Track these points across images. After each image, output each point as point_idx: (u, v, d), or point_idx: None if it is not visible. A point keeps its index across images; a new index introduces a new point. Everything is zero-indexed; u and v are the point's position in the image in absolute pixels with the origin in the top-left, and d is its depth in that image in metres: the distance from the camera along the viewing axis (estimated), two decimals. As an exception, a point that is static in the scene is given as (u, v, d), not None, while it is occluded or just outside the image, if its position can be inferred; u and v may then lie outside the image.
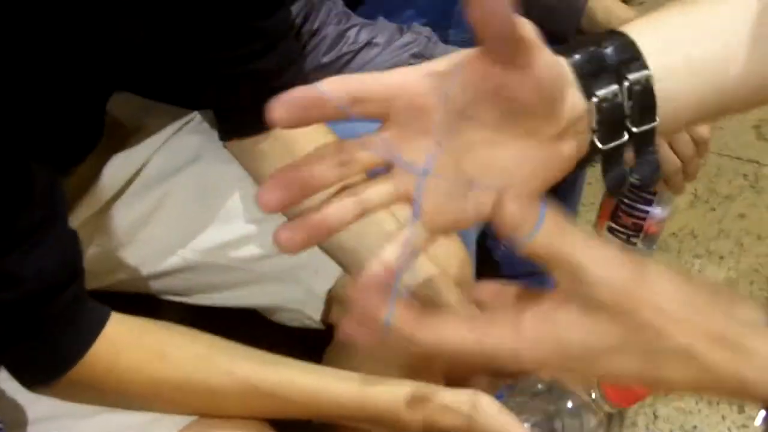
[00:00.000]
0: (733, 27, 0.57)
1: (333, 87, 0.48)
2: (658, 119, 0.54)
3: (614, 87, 0.53)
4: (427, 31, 1.04)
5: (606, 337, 0.44)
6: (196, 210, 0.95)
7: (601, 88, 0.52)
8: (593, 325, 0.44)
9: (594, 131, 0.53)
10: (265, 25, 0.85)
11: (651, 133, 0.55)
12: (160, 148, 0.97)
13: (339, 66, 1.00)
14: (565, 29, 1.19)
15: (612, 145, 0.53)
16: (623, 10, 1.17)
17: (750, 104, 0.61)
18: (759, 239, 1.80)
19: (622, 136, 0.54)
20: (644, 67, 0.54)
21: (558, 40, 1.24)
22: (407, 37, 1.02)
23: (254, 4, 0.84)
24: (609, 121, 0.53)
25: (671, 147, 1.04)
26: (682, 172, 1.07)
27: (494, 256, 1.46)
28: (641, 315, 0.44)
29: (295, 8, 0.95)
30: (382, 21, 1.04)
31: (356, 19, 1.03)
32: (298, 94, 0.47)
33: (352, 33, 1.00)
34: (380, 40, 1.01)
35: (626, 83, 0.53)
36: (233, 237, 0.94)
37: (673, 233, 1.81)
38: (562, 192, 1.40)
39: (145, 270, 0.95)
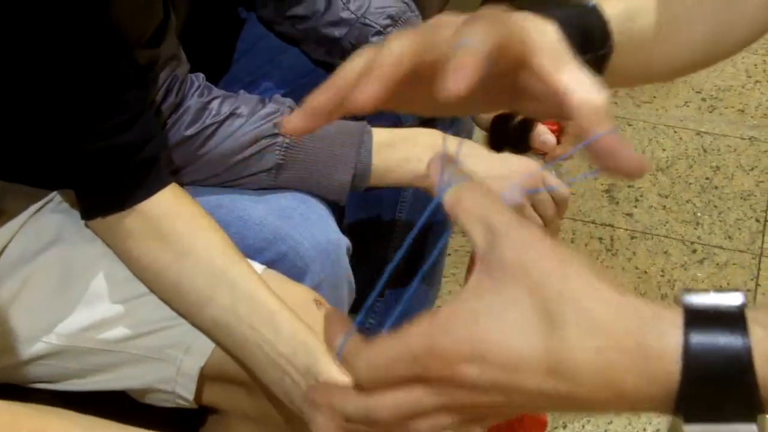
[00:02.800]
0: None
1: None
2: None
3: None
4: (289, 101, 1.05)
5: (511, 303, 0.43)
6: (59, 293, 0.92)
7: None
8: (499, 292, 0.43)
9: None
10: (125, 99, 0.85)
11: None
12: (19, 231, 0.94)
13: (203, 138, 0.99)
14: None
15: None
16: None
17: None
18: (617, 300, 1.85)
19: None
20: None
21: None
22: (270, 107, 1.02)
23: (110, 78, 0.83)
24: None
25: (533, 208, 1.07)
26: (544, 232, 1.09)
27: (362, 329, 1.45)
28: (534, 276, 0.43)
29: (157, 81, 0.94)
30: (243, 93, 1.05)
31: (218, 91, 1.02)
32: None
33: (214, 105, 1.00)
34: (243, 111, 1.01)
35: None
36: (99, 318, 0.92)
37: (537, 299, 1.85)
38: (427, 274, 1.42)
39: (10, 358, 0.91)
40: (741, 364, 0.41)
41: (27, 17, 0.78)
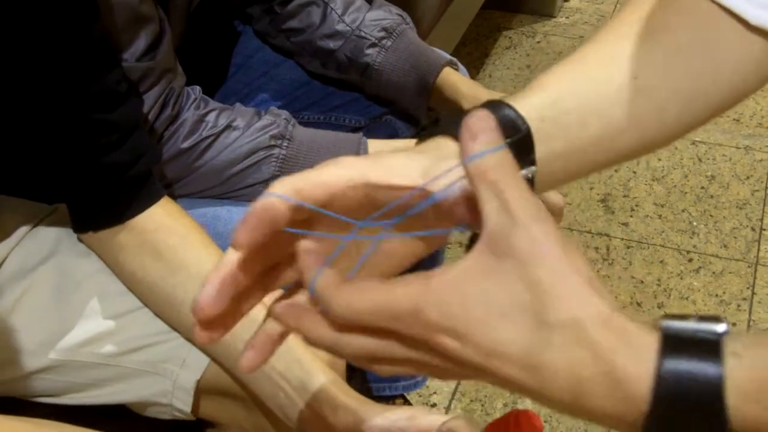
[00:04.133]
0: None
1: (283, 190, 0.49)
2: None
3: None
4: (285, 113, 1.05)
5: (506, 291, 0.43)
6: (56, 307, 0.92)
7: None
8: (497, 276, 0.43)
9: None
10: (115, 117, 0.85)
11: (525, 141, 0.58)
12: (17, 246, 0.94)
13: (199, 150, 0.99)
14: (416, 105, 1.23)
15: None
16: (469, 85, 1.21)
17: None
18: (614, 309, 1.85)
19: None
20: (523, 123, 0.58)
21: (409, 116, 1.28)
22: (266, 120, 1.02)
23: (101, 97, 0.83)
24: None
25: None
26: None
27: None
28: (538, 272, 0.43)
29: (153, 94, 0.95)
30: (239, 106, 1.05)
31: (214, 104, 1.03)
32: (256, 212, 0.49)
33: (211, 117, 1.00)
34: (240, 123, 1.01)
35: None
36: (96, 333, 0.92)
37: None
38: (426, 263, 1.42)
39: (9, 372, 0.91)
40: (712, 394, 0.41)
41: (15, 32, 0.78)
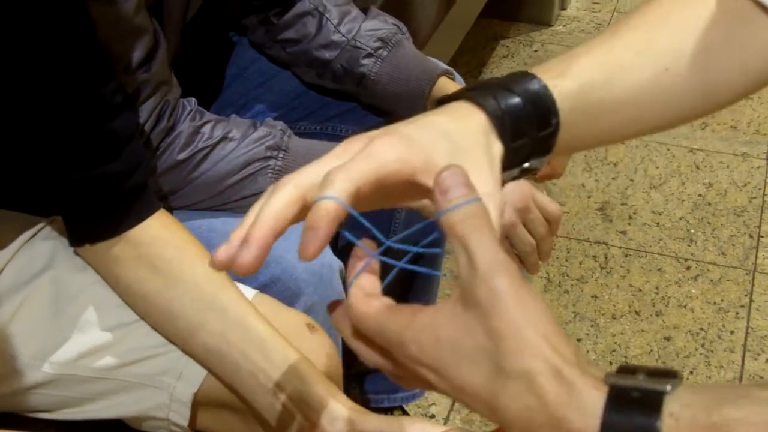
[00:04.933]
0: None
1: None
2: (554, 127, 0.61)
3: (516, 99, 0.59)
4: (281, 124, 1.05)
5: (471, 338, 0.46)
6: (52, 320, 0.92)
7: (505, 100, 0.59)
8: (465, 324, 0.47)
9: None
10: (111, 128, 0.85)
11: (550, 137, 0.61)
12: (12, 259, 0.94)
13: (195, 162, 0.99)
14: (412, 116, 1.23)
15: (517, 144, 0.59)
16: None
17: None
18: (614, 318, 1.86)
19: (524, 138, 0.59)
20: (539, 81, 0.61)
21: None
22: (262, 131, 1.02)
23: (96, 108, 0.83)
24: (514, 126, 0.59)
25: (525, 227, 1.07)
26: (536, 251, 1.10)
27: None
28: (497, 324, 0.46)
29: (148, 105, 0.95)
30: (234, 117, 1.05)
31: (209, 115, 1.03)
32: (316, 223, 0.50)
33: (206, 129, 1.00)
34: (235, 134, 1.01)
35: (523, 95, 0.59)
36: (92, 346, 0.91)
37: (531, 318, 1.84)
38: (418, 290, 1.42)
39: (6, 386, 0.91)
40: None
41: (10, 44, 0.78)
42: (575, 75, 0.62)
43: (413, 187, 0.54)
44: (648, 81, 0.64)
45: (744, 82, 0.67)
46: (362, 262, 0.52)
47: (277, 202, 0.52)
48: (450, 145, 0.55)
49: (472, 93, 0.59)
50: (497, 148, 0.58)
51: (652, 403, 0.44)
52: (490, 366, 0.46)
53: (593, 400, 0.45)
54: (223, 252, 0.52)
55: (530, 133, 0.60)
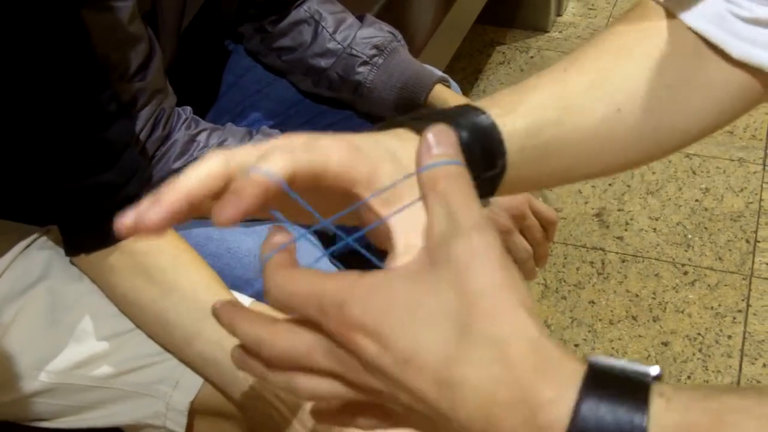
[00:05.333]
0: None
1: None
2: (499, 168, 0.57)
3: (463, 134, 0.55)
4: (276, 132, 1.05)
5: (434, 299, 0.42)
6: (48, 329, 0.92)
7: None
8: (429, 282, 0.43)
9: None
10: (106, 137, 0.85)
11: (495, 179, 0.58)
12: (8, 268, 0.94)
13: (190, 171, 0.99)
14: None
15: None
16: (460, 102, 1.21)
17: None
18: (611, 324, 1.86)
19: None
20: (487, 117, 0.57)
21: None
22: (257, 139, 1.02)
23: (91, 117, 0.83)
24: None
25: (522, 233, 1.07)
26: (532, 257, 1.10)
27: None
28: (472, 283, 0.42)
29: (144, 114, 0.95)
30: (230, 125, 1.05)
31: (205, 124, 1.03)
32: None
33: (202, 137, 1.00)
34: (231, 143, 1.01)
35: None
36: (88, 355, 0.91)
37: (529, 324, 1.84)
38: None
39: (2, 396, 0.91)
40: None
41: (4, 53, 0.78)
42: (525, 113, 0.60)
43: (346, 198, 0.50)
44: (600, 121, 0.62)
45: (697, 126, 0.65)
46: (280, 239, 0.48)
47: (200, 171, 0.48)
48: (395, 166, 0.49)
49: (417, 122, 0.55)
50: None
51: (638, 383, 0.40)
52: (453, 330, 0.41)
53: (571, 370, 0.41)
54: (129, 215, 0.47)
55: (475, 172, 0.54)
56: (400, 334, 0.42)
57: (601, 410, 0.39)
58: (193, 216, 0.49)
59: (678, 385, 0.40)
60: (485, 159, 0.57)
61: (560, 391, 0.40)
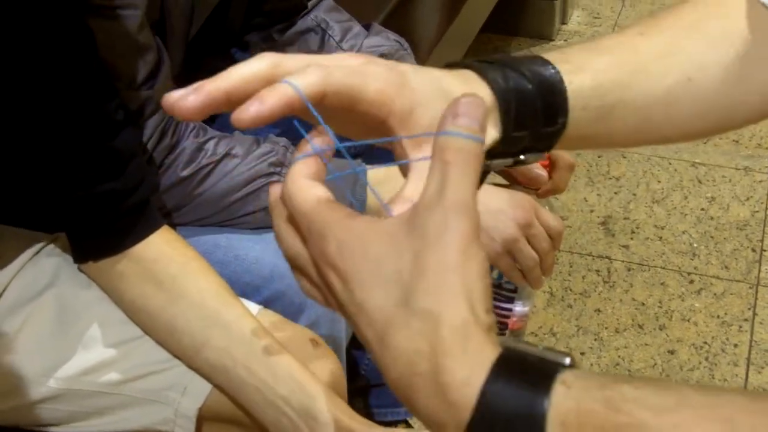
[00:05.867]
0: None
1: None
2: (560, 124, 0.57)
3: (527, 86, 0.56)
4: (283, 140, 1.05)
5: (396, 261, 0.44)
6: (57, 336, 0.92)
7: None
8: (398, 246, 0.45)
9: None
10: (113, 145, 0.85)
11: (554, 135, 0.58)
12: (17, 275, 0.94)
13: (198, 179, 0.99)
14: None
15: (517, 134, 0.56)
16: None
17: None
18: (617, 332, 1.85)
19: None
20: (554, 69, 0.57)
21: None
22: (265, 147, 1.03)
23: (99, 125, 0.84)
24: (519, 115, 0.55)
25: (528, 242, 1.08)
26: (539, 265, 1.10)
27: (360, 366, 1.46)
28: (428, 258, 0.44)
29: (152, 122, 0.95)
30: (238, 134, 1.05)
31: (213, 132, 1.03)
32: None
33: (210, 145, 1.00)
34: (239, 151, 1.01)
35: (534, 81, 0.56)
36: (97, 362, 0.92)
37: (533, 333, 1.85)
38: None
39: (12, 401, 0.91)
40: (534, 421, 0.40)
41: (12, 61, 0.78)
42: (595, 72, 0.59)
43: (383, 126, 0.51)
44: (669, 88, 0.61)
45: (762, 100, 0.64)
46: (309, 146, 0.49)
47: (246, 69, 0.50)
48: (445, 106, 0.49)
49: (481, 65, 0.56)
50: (491, 135, 0.55)
51: (546, 370, 0.42)
52: (399, 295, 0.43)
53: (484, 355, 0.42)
54: (177, 92, 0.49)
55: (534, 127, 0.56)
56: (361, 283, 0.44)
57: (507, 393, 0.41)
58: (225, 109, 0.50)
59: (582, 373, 0.42)
60: (547, 115, 0.57)
61: (472, 372, 0.42)
